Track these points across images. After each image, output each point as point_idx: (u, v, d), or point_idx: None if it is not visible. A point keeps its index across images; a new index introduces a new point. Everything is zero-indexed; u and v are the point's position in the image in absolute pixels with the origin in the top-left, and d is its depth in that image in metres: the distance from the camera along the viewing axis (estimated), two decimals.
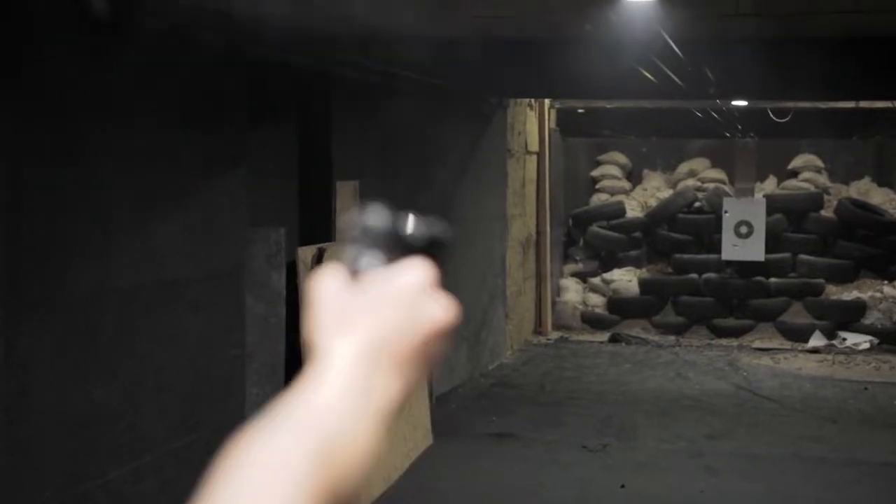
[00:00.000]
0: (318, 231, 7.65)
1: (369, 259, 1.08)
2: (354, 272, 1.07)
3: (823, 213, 14.73)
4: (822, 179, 15.36)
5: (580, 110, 14.33)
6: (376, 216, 1.10)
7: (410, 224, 1.15)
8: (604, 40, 7.18)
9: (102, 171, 5.27)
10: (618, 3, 5.85)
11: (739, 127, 14.16)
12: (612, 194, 15.83)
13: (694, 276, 14.57)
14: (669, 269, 14.92)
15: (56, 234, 4.95)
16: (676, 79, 7.47)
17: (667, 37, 6.27)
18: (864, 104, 12.91)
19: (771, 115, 13.45)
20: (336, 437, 0.93)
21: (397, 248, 1.12)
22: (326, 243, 7.42)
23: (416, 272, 1.06)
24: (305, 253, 7.16)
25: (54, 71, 4.96)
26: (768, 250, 14.05)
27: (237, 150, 6.56)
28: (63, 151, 5.01)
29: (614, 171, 16.06)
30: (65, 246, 5.01)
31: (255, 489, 0.85)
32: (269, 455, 0.88)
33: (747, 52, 7.20)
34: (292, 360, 6.99)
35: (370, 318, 1.03)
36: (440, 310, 1.05)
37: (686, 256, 14.77)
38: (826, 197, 14.98)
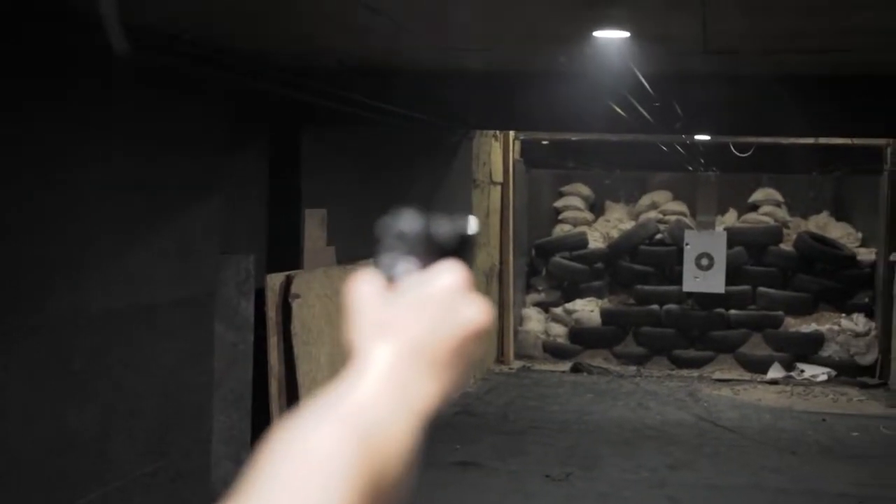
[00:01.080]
0: (286, 258, 7.69)
1: (404, 264, 1.09)
2: (390, 277, 1.07)
3: (783, 246, 14.90)
4: (782, 213, 15.54)
5: (544, 142, 14.44)
6: (408, 221, 1.11)
7: (444, 226, 1.15)
8: (573, 75, 7.27)
9: (78, 196, 5.29)
10: (589, 39, 5.94)
11: (702, 161, 14.32)
12: (575, 225, 15.94)
13: (655, 307, 14.69)
14: (631, 300, 15.03)
15: (31, 258, 4.96)
16: (645, 113, 7.58)
17: (637, 73, 6.37)
18: (823, 141, 13.11)
19: (733, 150, 13.62)
20: (375, 431, 0.93)
21: (430, 250, 1.12)
22: (294, 271, 7.45)
23: (451, 275, 1.07)
24: (274, 280, 7.19)
25: (32, 97, 4.99)
26: (728, 282, 14.18)
27: (211, 178, 6.59)
28: (39, 175, 5.03)
29: (577, 202, 16.19)
30: (40, 270, 5.02)
31: (298, 478, 0.85)
32: (310, 445, 0.88)
33: (715, 87, 7.32)
34: (259, 387, 7.01)
35: (407, 322, 1.03)
36: (475, 312, 1.06)
37: (647, 288, 14.89)
38: (785, 231, 15.16)
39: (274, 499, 0.83)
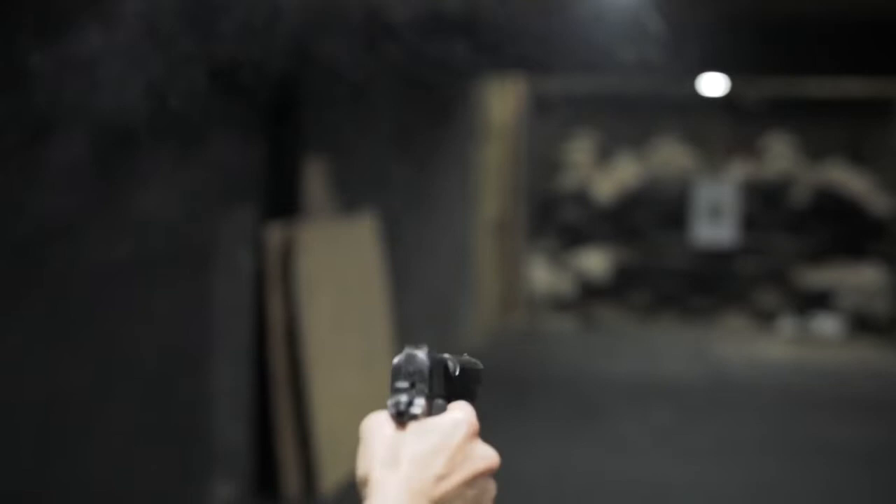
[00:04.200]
0: (287, 207, 7.53)
1: (416, 403, 1.15)
2: (402, 416, 1.14)
3: (795, 195, 14.73)
4: (794, 162, 15.35)
5: (549, 91, 14.25)
6: (419, 361, 1.17)
7: (453, 366, 1.24)
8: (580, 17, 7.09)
9: (70, 146, 5.14)
10: None
11: (713, 111, 14.14)
12: (582, 175, 15.77)
13: (664, 258, 14.55)
14: (639, 252, 14.90)
15: (24, 211, 4.82)
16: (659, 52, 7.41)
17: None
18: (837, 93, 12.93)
19: (742, 100, 13.43)
20: None
21: (441, 386, 1.21)
22: (295, 220, 7.30)
23: (460, 416, 1.16)
24: (273, 230, 7.04)
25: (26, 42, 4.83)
26: (740, 233, 14.05)
27: (209, 126, 6.43)
28: (35, 118, 4.88)
29: (584, 152, 16.00)
30: (33, 222, 4.88)
31: None
32: None
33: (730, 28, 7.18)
34: (259, 341, 6.89)
35: (414, 461, 1.10)
36: (483, 455, 1.14)
37: (656, 239, 14.75)
38: (798, 180, 14.97)
39: None
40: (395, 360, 1.17)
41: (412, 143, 10.09)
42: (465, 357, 1.29)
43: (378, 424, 1.14)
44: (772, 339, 13.26)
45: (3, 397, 4.73)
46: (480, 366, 1.31)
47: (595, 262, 14.86)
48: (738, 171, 15.27)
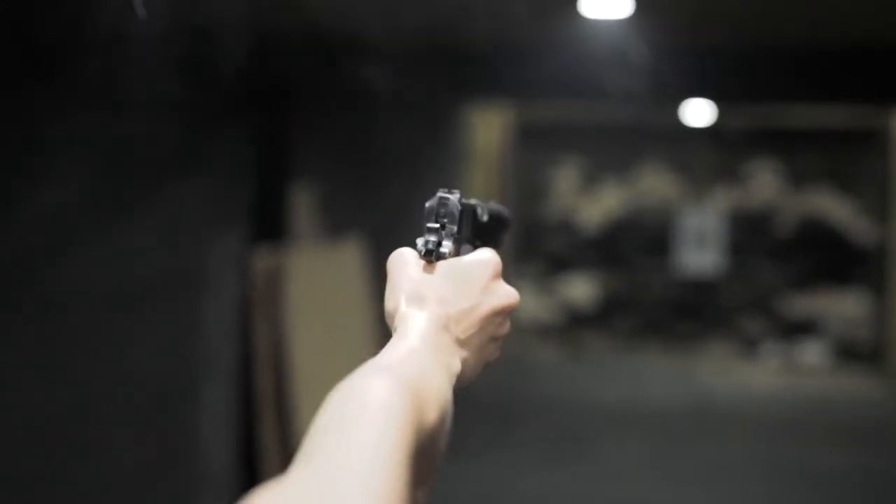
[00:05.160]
0: (274, 233, 7.55)
1: (445, 243, 1.18)
2: (429, 255, 1.17)
3: (779, 224, 14.79)
4: (778, 190, 15.41)
5: (535, 119, 14.31)
6: (451, 205, 1.20)
7: (481, 211, 1.27)
8: (566, 47, 7.14)
9: (62, 171, 5.15)
10: (579, 20, 5.83)
11: (698, 139, 14.20)
12: (567, 203, 15.81)
13: (650, 285, 14.58)
14: (625, 279, 14.93)
15: (13, 238, 4.83)
16: (642, 82, 7.47)
17: (638, 49, 6.26)
18: (819, 121, 12.99)
19: (727, 127, 13.49)
20: (419, 383, 1.01)
21: (469, 230, 1.24)
22: (281, 246, 7.31)
23: (484, 257, 1.19)
24: (260, 256, 7.05)
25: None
26: (724, 261, 14.09)
27: (199, 151, 6.45)
28: (22, 148, 4.89)
29: (568, 179, 16.05)
30: (23, 248, 4.88)
31: (358, 425, 0.90)
32: (368, 396, 0.94)
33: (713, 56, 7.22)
34: (245, 364, 6.89)
35: (441, 297, 1.13)
36: (505, 293, 1.18)
37: (642, 266, 14.78)
38: (782, 208, 15.03)
39: (338, 445, 0.88)
40: (428, 203, 1.20)
41: (400, 168, 10.12)
42: (494, 204, 1.31)
43: (404, 262, 1.17)
44: (756, 366, 13.29)
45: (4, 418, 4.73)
46: (508, 214, 1.34)
47: (580, 289, 14.89)
48: (722, 200, 15.34)
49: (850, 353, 13.72)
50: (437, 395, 1.03)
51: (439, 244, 1.18)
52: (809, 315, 14.12)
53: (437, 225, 1.19)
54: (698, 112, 12.10)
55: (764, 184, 15.38)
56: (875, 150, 13.89)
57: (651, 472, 8.33)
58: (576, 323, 14.66)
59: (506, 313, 1.18)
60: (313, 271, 7.44)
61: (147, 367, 5.99)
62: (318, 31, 6.96)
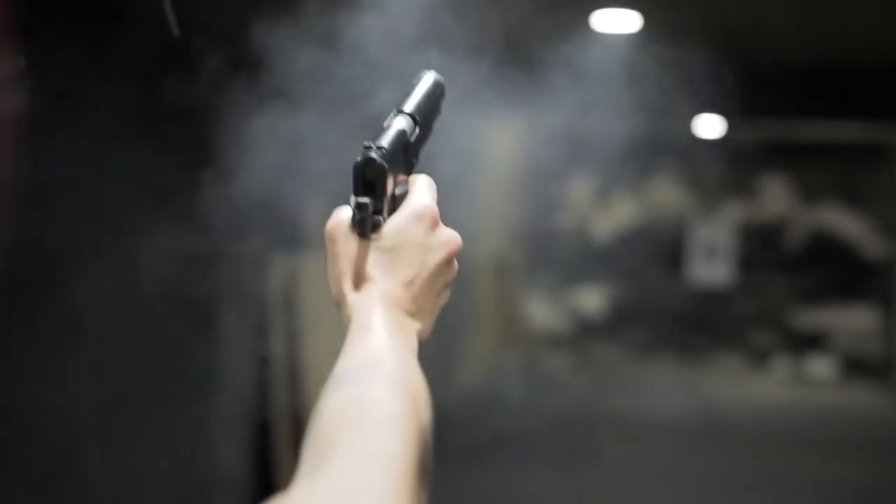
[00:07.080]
0: (293, 243, 7.59)
1: (379, 208, 1.12)
2: (364, 227, 1.11)
3: (790, 238, 14.81)
4: (789, 203, 15.44)
5: (548, 129, 14.33)
6: (378, 166, 1.12)
7: (410, 129, 1.21)
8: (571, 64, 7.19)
9: (74, 185, 5.21)
10: (590, 35, 5.86)
11: (710, 153, 14.21)
12: (580, 214, 15.85)
13: (660, 297, 14.60)
14: (635, 291, 14.95)
15: (23, 259, 4.88)
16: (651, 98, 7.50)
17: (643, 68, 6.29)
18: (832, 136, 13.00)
19: (737, 142, 13.52)
20: (409, 383, 0.98)
21: (402, 163, 1.18)
22: (300, 257, 7.36)
23: (417, 212, 1.13)
24: (277, 262, 7.10)
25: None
26: (735, 274, 14.10)
27: (217, 159, 6.49)
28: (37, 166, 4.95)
29: (581, 191, 16.10)
30: (33, 269, 4.94)
31: (371, 440, 0.88)
32: (373, 408, 0.92)
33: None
34: (261, 375, 6.93)
35: (383, 272, 1.08)
36: (442, 243, 1.12)
37: (653, 278, 14.81)
38: (793, 221, 15.06)
39: (350, 459, 0.86)
40: (355, 163, 1.13)
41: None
42: (414, 98, 1.21)
43: (342, 237, 1.12)
44: (766, 379, 13.30)
45: (12, 420, 4.79)
46: (431, 82, 1.24)
47: (591, 300, 14.93)
48: (734, 213, 15.37)
49: (859, 367, 13.72)
50: (423, 389, 1.02)
51: (373, 213, 1.12)
52: (819, 329, 14.13)
53: (367, 200, 1.11)
54: (710, 126, 12.13)
55: (775, 197, 15.41)
56: (887, 166, 13.91)
57: (659, 484, 8.36)
58: (586, 333, 14.69)
59: (450, 260, 1.14)
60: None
61: (162, 372, 6.04)
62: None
